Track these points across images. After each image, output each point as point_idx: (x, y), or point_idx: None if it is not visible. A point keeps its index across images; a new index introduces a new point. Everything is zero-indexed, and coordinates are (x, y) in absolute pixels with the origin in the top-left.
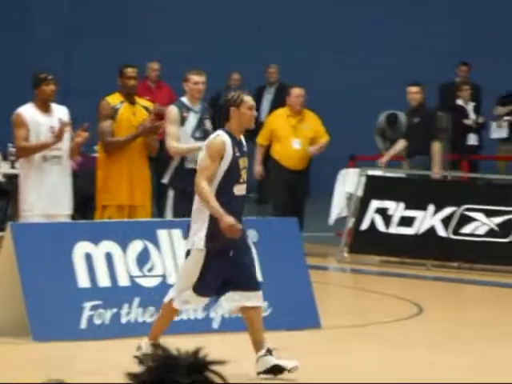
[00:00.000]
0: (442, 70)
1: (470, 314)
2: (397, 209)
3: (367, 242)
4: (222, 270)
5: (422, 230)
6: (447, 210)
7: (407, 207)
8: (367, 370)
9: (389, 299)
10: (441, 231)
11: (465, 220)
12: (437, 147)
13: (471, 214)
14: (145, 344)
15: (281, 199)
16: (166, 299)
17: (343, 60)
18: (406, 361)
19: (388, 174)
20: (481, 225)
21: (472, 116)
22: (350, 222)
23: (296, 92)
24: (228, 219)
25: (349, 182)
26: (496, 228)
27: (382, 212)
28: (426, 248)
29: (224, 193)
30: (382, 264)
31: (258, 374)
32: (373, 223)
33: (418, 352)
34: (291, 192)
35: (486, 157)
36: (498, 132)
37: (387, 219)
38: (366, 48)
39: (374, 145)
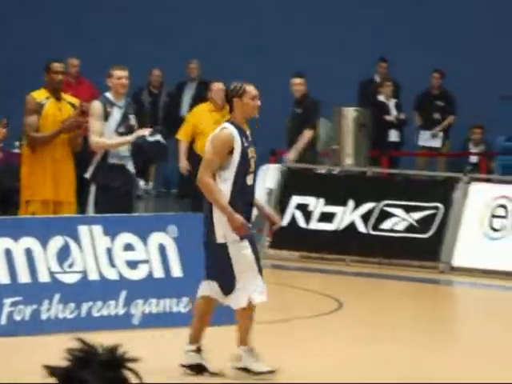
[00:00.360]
0: (363, 68)
1: (390, 308)
2: (317, 204)
3: (288, 238)
4: None
5: (342, 225)
6: (367, 206)
7: (327, 203)
8: (288, 365)
9: (309, 294)
10: (361, 227)
11: (384, 216)
12: (308, 135)
13: (391, 210)
14: (243, 351)
15: None
16: (243, 305)
17: (261, 56)
18: (327, 355)
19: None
20: (400, 220)
21: (393, 112)
22: None
23: (217, 86)
24: (239, 218)
25: (269, 178)
26: (415, 224)
27: (302, 208)
28: (345, 243)
29: (239, 184)
30: (303, 259)
31: (182, 366)
32: (293, 219)
33: (339, 346)
34: None
35: (407, 153)
36: (431, 141)
37: (307, 215)
38: (282, 45)
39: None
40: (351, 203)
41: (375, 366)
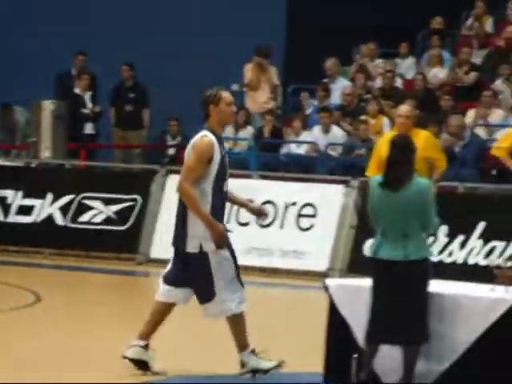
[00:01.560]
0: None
1: (88, 300)
2: (15, 197)
3: None
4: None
5: (41, 218)
6: (65, 199)
7: (26, 196)
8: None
9: (6, 288)
10: (59, 220)
11: (83, 208)
12: None
13: (89, 203)
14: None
15: None
16: (221, 317)
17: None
18: (20, 348)
19: (7, 163)
20: (98, 213)
21: (89, 105)
22: None
23: None
24: (220, 228)
25: None
26: (113, 216)
27: (0, 201)
28: (44, 236)
29: (217, 191)
30: (0, 253)
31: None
32: None
33: (33, 340)
34: None
35: (103, 145)
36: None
37: (5, 208)
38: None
39: None
40: (50, 196)
41: (73, 355)
